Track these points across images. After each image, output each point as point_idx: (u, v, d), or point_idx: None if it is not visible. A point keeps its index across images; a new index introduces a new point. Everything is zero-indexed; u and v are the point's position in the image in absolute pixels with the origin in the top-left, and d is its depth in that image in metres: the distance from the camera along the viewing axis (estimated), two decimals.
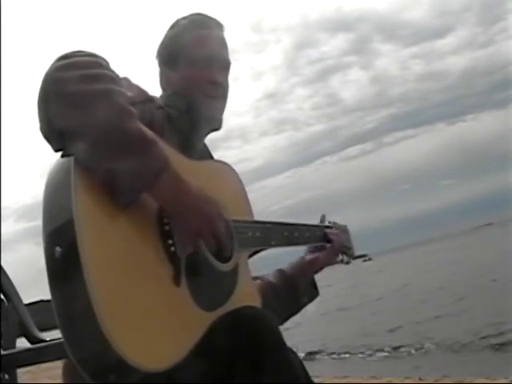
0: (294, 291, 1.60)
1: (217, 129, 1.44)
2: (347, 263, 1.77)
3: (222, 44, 1.45)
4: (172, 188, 1.07)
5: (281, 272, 1.62)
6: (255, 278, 1.48)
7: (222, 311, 1.19)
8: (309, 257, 1.65)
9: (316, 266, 1.65)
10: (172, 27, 1.45)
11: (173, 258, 1.09)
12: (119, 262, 1.00)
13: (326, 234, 1.68)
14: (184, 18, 1.45)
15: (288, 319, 1.60)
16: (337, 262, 1.74)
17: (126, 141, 1.01)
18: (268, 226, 1.46)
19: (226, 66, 1.44)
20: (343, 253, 1.76)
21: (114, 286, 0.96)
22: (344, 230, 1.82)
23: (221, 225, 1.16)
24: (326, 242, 1.67)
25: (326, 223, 1.77)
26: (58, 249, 0.94)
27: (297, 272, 1.62)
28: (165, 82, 1.42)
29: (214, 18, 1.46)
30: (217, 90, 1.40)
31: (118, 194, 1.02)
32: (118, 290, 0.97)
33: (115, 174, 1.01)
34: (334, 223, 1.78)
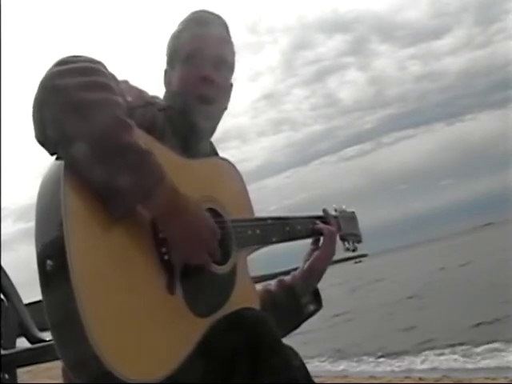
0: (294, 302, 1.50)
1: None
2: (354, 250, 1.71)
3: (220, 41, 1.38)
4: (168, 201, 1.04)
5: (280, 281, 1.53)
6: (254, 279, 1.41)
7: (219, 315, 1.17)
8: (307, 264, 1.53)
9: (317, 271, 1.52)
10: (177, 26, 1.40)
11: (166, 266, 1.08)
12: (110, 275, 0.98)
13: (316, 229, 1.54)
14: (187, 16, 1.41)
15: (288, 334, 1.45)
16: (349, 258, 1.67)
17: (121, 154, 0.99)
18: (268, 221, 1.41)
19: (220, 63, 1.36)
20: (348, 240, 1.69)
21: (104, 299, 0.95)
22: (351, 216, 1.75)
23: (213, 245, 1.13)
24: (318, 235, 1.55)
25: (333, 211, 1.68)
26: (49, 262, 0.94)
27: (297, 281, 1.51)
28: (167, 81, 1.40)
29: (216, 14, 1.41)
30: (208, 88, 1.32)
31: (112, 207, 0.99)
32: (109, 304, 0.96)
33: (110, 187, 0.98)
34: (342, 210, 1.71)
